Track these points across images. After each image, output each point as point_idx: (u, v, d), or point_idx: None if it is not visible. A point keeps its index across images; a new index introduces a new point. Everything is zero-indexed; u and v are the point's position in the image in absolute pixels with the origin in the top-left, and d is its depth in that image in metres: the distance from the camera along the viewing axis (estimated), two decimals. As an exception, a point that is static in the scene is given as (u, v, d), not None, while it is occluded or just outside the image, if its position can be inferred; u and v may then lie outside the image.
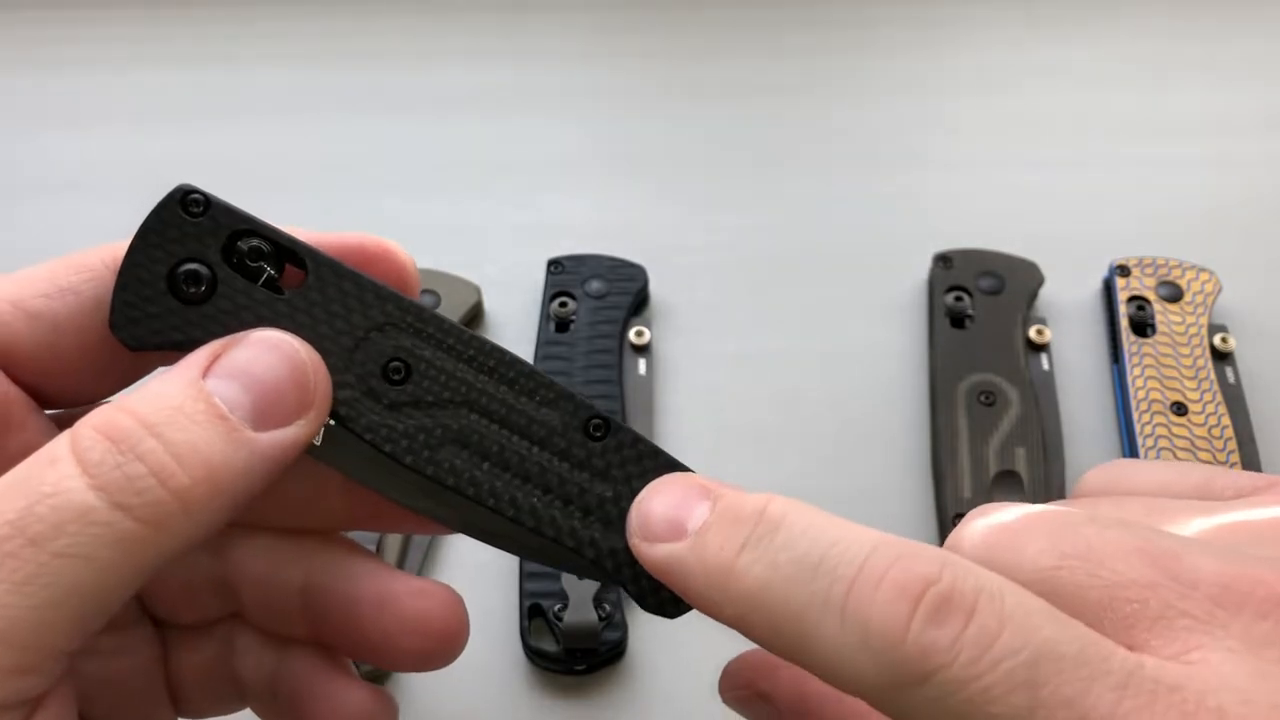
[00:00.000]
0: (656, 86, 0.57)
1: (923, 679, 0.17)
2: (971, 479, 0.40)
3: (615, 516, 0.23)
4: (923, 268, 0.48)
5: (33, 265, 0.22)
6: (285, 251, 0.23)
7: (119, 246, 0.22)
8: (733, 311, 0.48)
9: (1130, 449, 0.42)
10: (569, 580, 0.37)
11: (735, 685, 0.25)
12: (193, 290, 0.22)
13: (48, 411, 0.23)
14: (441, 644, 0.24)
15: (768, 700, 0.25)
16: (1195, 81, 0.56)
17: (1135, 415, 0.42)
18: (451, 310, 0.45)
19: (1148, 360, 0.43)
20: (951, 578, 0.18)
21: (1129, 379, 0.43)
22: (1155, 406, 0.42)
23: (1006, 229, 0.49)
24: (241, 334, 0.22)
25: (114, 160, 0.53)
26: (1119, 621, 0.18)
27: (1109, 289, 0.46)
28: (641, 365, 0.45)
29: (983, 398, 0.42)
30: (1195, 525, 0.20)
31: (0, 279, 0.22)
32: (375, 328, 0.23)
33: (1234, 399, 0.42)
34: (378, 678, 0.36)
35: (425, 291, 0.45)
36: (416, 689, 0.37)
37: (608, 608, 0.37)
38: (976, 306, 0.45)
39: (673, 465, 0.23)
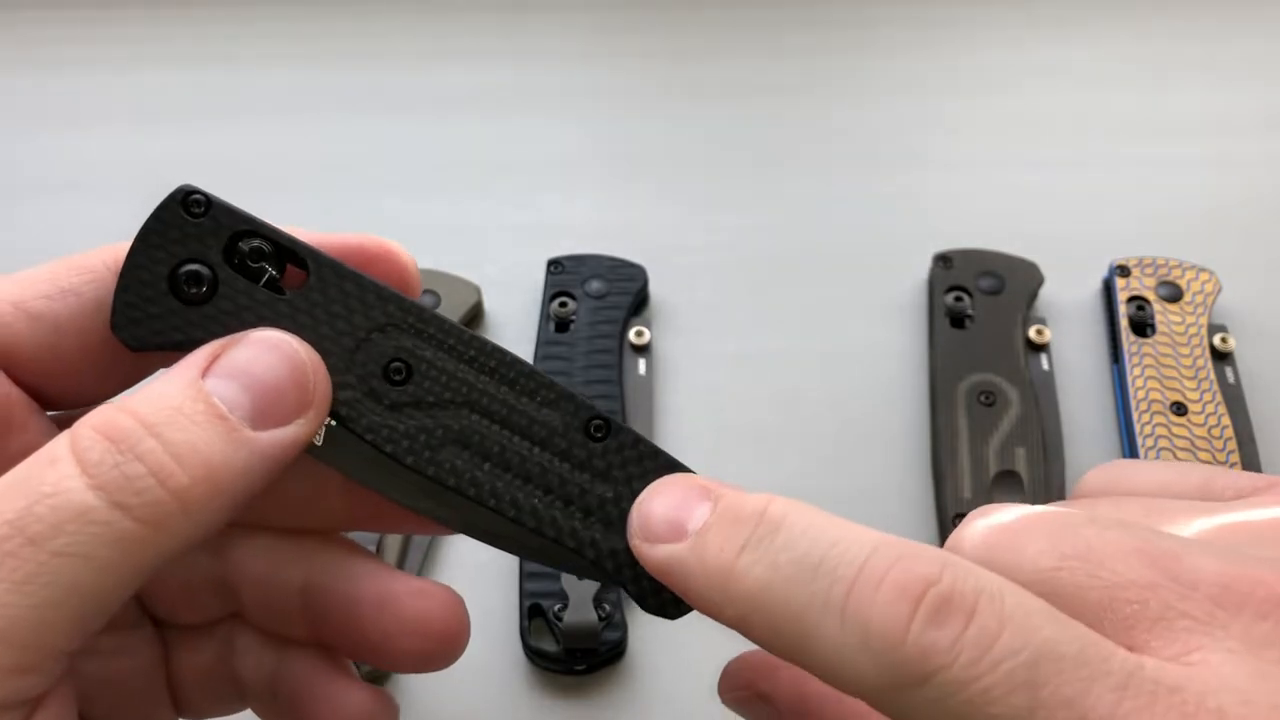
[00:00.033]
0: (656, 86, 0.57)
1: (923, 680, 0.17)
2: (971, 479, 0.40)
3: (616, 517, 0.23)
4: (923, 268, 0.48)
5: (33, 266, 0.22)
6: (286, 252, 0.23)
7: (120, 248, 0.22)
8: (733, 311, 0.48)
9: (1130, 449, 0.42)
10: (569, 580, 0.37)
11: (735, 686, 0.25)
12: (194, 291, 0.22)
13: (49, 413, 0.23)
14: (442, 645, 0.24)
15: (767, 701, 0.25)
16: (1195, 81, 0.56)
17: (1135, 415, 0.42)
18: (451, 310, 0.45)
19: (1148, 360, 0.43)
20: (952, 578, 0.18)
21: (1129, 379, 0.43)
22: (1155, 406, 0.42)
23: (1006, 229, 0.49)
24: (241, 334, 0.22)
25: (114, 160, 0.53)
26: (1119, 622, 0.18)
27: (1109, 289, 0.46)
28: (641, 365, 0.45)
29: (983, 398, 0.42)
30: (1195, 526, 0.20)
31: (1, 280, 0.22)
32: (376, 328, 0.23)
33: (1234, 399, 0.42)
34: (378, 678, 0.36)
35: (425, 291, 0.45)
36: (416, 689, 0.37)
37: (608, 608, 0.37)
38: (976, 306, 0.45)
39: (673, 466, 0.23)
